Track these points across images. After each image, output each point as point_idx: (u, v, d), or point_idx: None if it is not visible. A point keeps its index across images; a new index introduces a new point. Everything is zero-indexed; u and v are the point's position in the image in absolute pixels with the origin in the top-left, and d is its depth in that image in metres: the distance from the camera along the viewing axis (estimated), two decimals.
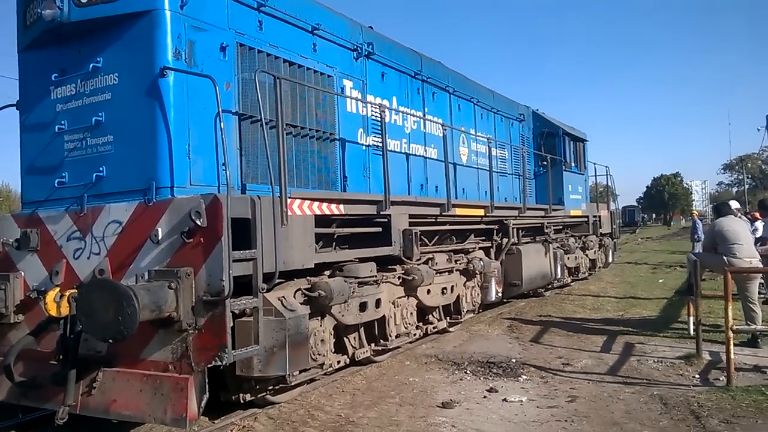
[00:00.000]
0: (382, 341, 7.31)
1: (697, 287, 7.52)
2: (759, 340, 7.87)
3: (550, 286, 13.44)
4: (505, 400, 6.25)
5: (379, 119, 7.37)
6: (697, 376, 6.82)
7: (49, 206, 5.74)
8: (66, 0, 5.27)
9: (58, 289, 5.23)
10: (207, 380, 4.80)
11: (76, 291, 5.14)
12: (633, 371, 7.12)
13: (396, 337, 7.57)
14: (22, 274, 5.77)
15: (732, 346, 6.29)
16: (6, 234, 5.90)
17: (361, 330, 7.14)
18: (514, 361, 7.72)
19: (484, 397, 6.41)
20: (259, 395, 5.74)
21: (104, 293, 4.43)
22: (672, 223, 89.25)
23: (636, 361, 7.55)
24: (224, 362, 4.72)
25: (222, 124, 4.99)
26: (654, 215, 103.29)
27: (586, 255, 15.74)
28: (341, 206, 6.37)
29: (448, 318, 9.21)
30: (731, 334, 6.27)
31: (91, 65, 5.41)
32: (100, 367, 5.16)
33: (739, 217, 9.26)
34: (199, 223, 4.72)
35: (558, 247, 13.22)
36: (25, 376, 5.41)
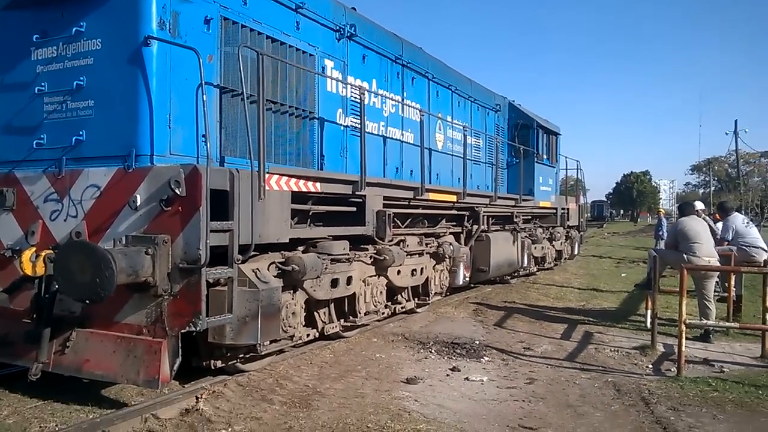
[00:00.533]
0: (351, 318, 7.48)
1: (656, 282, 7.85)
2: (710, 336, 8.24)
3: (516, 274, 13.76)
4: (467, 379, 6.49)
5: (358, 101, 7.49)
6: (650, 366, 7.16)
7: (26, 167, 5.75)
8: None
9: (34, 248, 5.28)
10: (180, 345, 4.93)
11: (51, 252, 5.21)
12: (590, 358, 7.43)
13: (365, 314, 7.75)
14: None
15: (684, 339, 6.62)
16: None
17: (332, 306, 7.30)
18: (477, 343, 7.98)
19: (447, 375, 6.64)
20: (230, 363, 5.87)
21: (82, 255, 4.51)
22: (638, 220, 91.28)
23: (594, 349, 7.86)
24: (198, 328, 4.85)
25: (204, 96, 5.06)
26: (621, 211, 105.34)
27: (553, 246, 16.13)
28: (318, 184, 6.50)
29: (416, 299, 9.42)
30: (684, 328, 6.59)
31: (74, 29, 5.41)
32: (73, 327, 5.26)
33: (702, 218, 9.66)
34: (178, 192, 4.81)
35: (526, 236, 13.55)
36: (2, 331, 5.46)
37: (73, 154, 5.47)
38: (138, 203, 5.03)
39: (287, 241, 5.98)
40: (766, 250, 9.28)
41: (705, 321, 8.18)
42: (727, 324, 8.10)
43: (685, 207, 9.21)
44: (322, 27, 7.34)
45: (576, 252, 18.46)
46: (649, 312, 9.00)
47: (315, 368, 6.65)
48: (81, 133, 5.41)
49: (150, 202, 5.01)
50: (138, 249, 4.78)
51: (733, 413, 5.48)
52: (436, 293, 9.82)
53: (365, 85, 8.09)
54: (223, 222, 5.05)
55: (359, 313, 7.54)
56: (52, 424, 4.95)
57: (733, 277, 9.02)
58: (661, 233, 21.11)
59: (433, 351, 7.61)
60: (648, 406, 5.65)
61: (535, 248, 14.07)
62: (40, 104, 5.67)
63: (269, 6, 6.48)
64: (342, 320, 7.50)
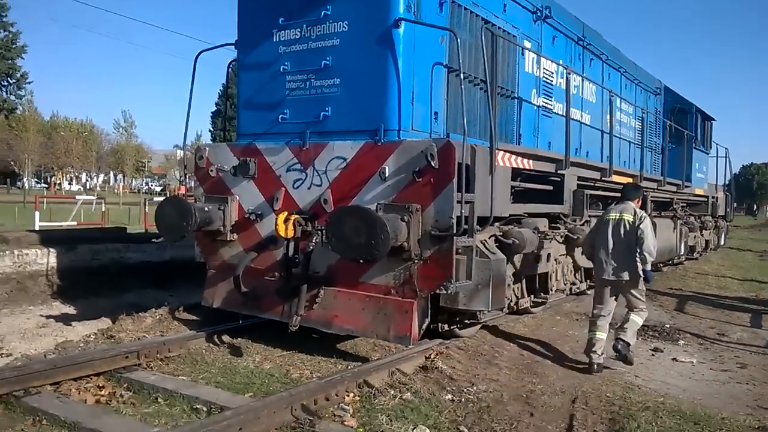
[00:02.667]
0: (542, 294, 7.60)
1: None
2: None
3: (670, 262, 13.36)
4: (675, 359, 6.48)
5: (550, 81, 7.57)
6: None
7: (267, 139, 6.28)
8: None
9: (286, 213, 5.75)
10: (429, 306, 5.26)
11: (299, 216, 5.68)
12: None
13: (555, 291, 7.86)
14: (237, 198, 6.38)
15: None
16: (221, 161, 6.52)
17: (523, 282, 7.45)
18: (667, 326, 7.90)
19: (653, 354, 6.65)
20: (451, 327, 6.17)
21: (358, 218, 4.91)
22: (757, 214, 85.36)
23: None
24: (449, 291, 5.17)
25: (444, 76, 5.31)
26: (735, 204, 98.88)
27: (702, 235, 15.48)
28: (530, 161, 6.65)
29: (588, 281, 9.39)
30: None
31: (321, 12, 5.83)
32: (320, 286, 5.72)
33: None
34: (433, 165, 5.11)
35: (683, 223, 13.10)
36: (247, 287, 6.02)
37: (318, 128, 5.92)
38: (387, 174, 5.38)
39: (507, 215, 6.18)
40: None
41: None
42: None
43: None
44: (523, 9, 7.46)
45: (722, 243, 17.62)
46: None
47: (519, 340, 6.85)
48: (327, 108, 5.85)
49: (399, 173, 5.34)
50: (394, 216, 5.13)
51: None
52: None
53: (553, 66, 8.14)
54: (468, 194, 5.30)
55: (551, 290, 7.64)
56: (307, 371, 5.45)
57: None
58: None
59: None
60: None
61: (692, 237, 13.57)
62: (283, 82, 6.17)
63: None
64: (532, 296, 7.63)
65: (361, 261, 5.04)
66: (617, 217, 6.12)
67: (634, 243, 5.92)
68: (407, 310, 5.24)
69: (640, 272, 5.93)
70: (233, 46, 6.70)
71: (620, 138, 10.57)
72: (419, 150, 5.22)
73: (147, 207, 20.14)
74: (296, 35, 6.10)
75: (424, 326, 5.33)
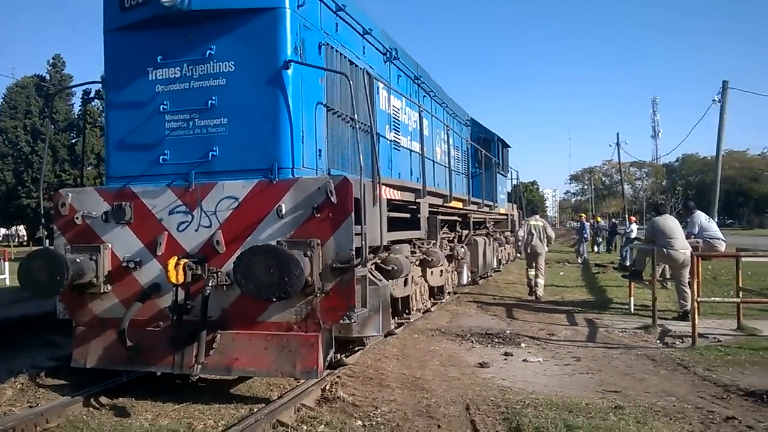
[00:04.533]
0: (405, 315, 8.20)
1: (654, 271, 9.26)
2: (688, 315, 9.77)
3: (486, 275, 15.00)
4: (525, 360, 7.46)
5: (397, 118, 8.30)
6: (658, 341, 8.50)
7: (144, 181, 6.03)
8: None
9: (176, 258, 5.57)
10: (333, 338, 5.49)
11: (188, 261, 5.56)
12: (607, 339, 8.67)
13: (414, 312, 8.52)
14: (110, 245, 6.02)
15: (697, 316, 8.01)
16: (87, 207, 6.10)
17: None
18: (508, 332, 8.99)
19: (505, 359, 7.57)
20: (340, 355, 6.44)
21: (269, 257, 4.99)
22: None
23: (604, 331, 9.13)
24: (352, 320, 5.45)
25: (324, 115, 5.67)
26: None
27: (505, 249, 17.58)
28: (398, 192, 7.23)
29: (431, 299, 10.27)
30: (696, 305, 7.99)
31: (206, 52, 5.82)
32: (215, 330, 5.63)
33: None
34: (332, 200, 5.40)
35: (494, 239, 14.83)
36: (131, 341, 5.68)
37: (204, 168, 5.86)
38: (284, 211, 5.54)
39: (386, 243, 6.65)
40: (725, 241, 11.06)
41: (685, 303, 9.69)
42: (733, 300, 9.60)
43: (659, 207, 10.81)
44: (377, 51, 8.09)
45: (518, 255, 20.06)
46: (632, 299, 10.52)
47: (393, 360, 7.35)
48: (214, 148, 5.82)
49: (297, 209, 5.52)
50: (298, 252, 5.30)
51: (753, 370, 6.85)
52: (448, 292, 10.74)
53: (398, 104, 8.89)
54: (359, 226, 5.65)
55: (412, 311, 8.29)
56: (211, 421, 5.33)
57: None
58: (585, 234, 23.59)
59: (474, 341, 8.53)
60: (688, 369, 6.90)
61: (500, 251, 15.39)
62: (161, 122, 5.99)
63: (349, 32, 7.16)
64: (396, 318, 8.19)
65: (274, 300, 5.12)
66: (537, 223, 13.07)
67: (544, 234, 12.87)
68: (312, 344, 5.42)
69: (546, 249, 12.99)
70: (98, 86, 6.32)
71: (445, 166, 11.74)
72: (317, 186, 5.47)
73: None
74: (176, 74, 5.97)
75: (329, 358, 5.54)
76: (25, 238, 45.38)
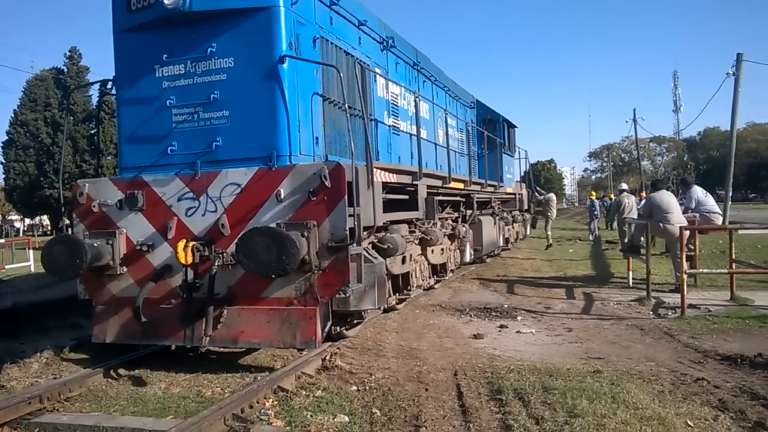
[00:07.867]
0: (405, 291, 8.65)
1: (648, 245, 9.57)
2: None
3: (492, 254, 15.38)
4: (518, 332, 7.87)
5: (396, 104, 8.66)
6: (651, 312, 8.85)
7: (154, 171, 6.51)
8: None
9: (184, 241, 6.06)
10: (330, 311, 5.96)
11: (195, 243, 6.05)
12: (601, 311, 9.04)
13: (414, 288, 8.96)
14: (125, 231, 6.53)
15: (686, 287, 8.34)
16: (103, 196, 6.61)
17: (390, 281, 8.44)
18: (506, 306, 9.41)
19: (500, 331, 7.98)
20: (341, 328, 6.91)
21: (268, 238, 5.45)
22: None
23: (600, 304, 9.50)
24: (347, 295, 5.90)
25: (321, 104, 6.07)
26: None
27: (513, 228, 17.92)
28: (395, 175, 7.64)
29: (435, 276, 10.71)
30: (685, 277, 8.32)
31: (207, 49, 6.26)
32: (222, 306, 6.13)
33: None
34: (327, 184, 5.83)
35: (500, 219, 15.18)
36: (146, 317, 6.21)
37: (209, 158, 6.32)
38: (283, 195, 5.98)
39: (382, 224, 7.08)
40: (721, 215, 11.31)
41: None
42: (722, 270, 9.91)
43: (657, 183, 11.07)
44: (373, 41, 8.45)
45: (528, 233, 20.41)
46: (630, 273, 10.83)
47: (392, 333, 7.81)
48: (218, 139, 6.28)
49: (295, 194, 5.96)
50: (296, 232, 5.75)
51: (736, 336, 7.19)
52: (450, 270, 11.16)
53: (398, 89, 9.26)
54: (353, 208, 6.08)
55: (412, 287, 8.73)
56: (218, 389, 5.82)
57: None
58: (595, 212, 23.81)
59: (472, 315, 8.96)
60: (673, 338, 7.26)
61: (507, 230, 15.74)
62: (168, 115, 6.45)
63: (344, 24, 7.53)
64: (397, 294, 8.65)
65: (274, 276, 5.59)
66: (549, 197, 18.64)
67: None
68: (311, 317, 5.89)
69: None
70: (111, 83, 6.82)
71: (452, 149, 12.10)
72: (312, 172, 5.90)
73: None
74: (180, 71, 6.41)
75: (326, 329, 6.01)
76: (49, 228, 46.62)
